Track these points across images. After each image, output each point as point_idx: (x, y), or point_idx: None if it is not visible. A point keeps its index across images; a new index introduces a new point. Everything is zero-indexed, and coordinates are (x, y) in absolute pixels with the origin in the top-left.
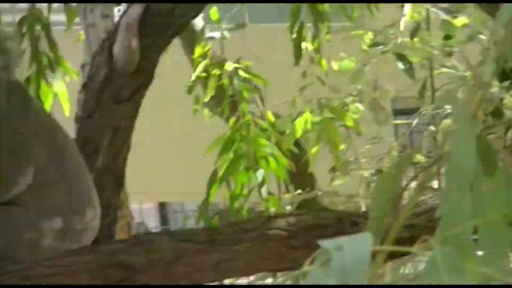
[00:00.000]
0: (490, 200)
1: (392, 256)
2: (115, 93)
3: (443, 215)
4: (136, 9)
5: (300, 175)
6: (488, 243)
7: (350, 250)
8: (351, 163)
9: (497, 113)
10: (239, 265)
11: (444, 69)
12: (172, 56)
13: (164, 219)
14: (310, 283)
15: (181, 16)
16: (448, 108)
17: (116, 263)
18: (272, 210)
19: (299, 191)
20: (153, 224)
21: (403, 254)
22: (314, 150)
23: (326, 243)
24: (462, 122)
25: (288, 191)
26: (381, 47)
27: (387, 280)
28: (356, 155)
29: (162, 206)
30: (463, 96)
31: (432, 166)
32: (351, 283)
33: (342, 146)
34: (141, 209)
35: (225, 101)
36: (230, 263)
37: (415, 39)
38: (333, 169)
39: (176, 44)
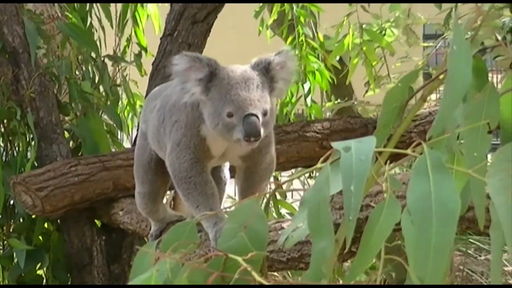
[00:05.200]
0: (477, 110)
1: (395, 157)
2: (193, 15)
3: (438, 122)
4: None
5: (341, 87)
6: (471, 147)
7: (356, 151)
8: (383, 78)
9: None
10: (280, 161)
11: None
12: None
13: None
14: (320, 177)
15: None
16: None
17: None
18: (314, 116)
19: (338, 100)
20: None
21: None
22: (353, 63)
23: (337, 144)
24: (461, 43)
25: (330, 100)
26: None
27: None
28: (387, 71)
29: None
30: (465, 22)
31: (433, 81)
32: (354, 179)
33: (375, 63)
34: None
35: (285, 24)
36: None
37: None
38: (368, 83)
39: None
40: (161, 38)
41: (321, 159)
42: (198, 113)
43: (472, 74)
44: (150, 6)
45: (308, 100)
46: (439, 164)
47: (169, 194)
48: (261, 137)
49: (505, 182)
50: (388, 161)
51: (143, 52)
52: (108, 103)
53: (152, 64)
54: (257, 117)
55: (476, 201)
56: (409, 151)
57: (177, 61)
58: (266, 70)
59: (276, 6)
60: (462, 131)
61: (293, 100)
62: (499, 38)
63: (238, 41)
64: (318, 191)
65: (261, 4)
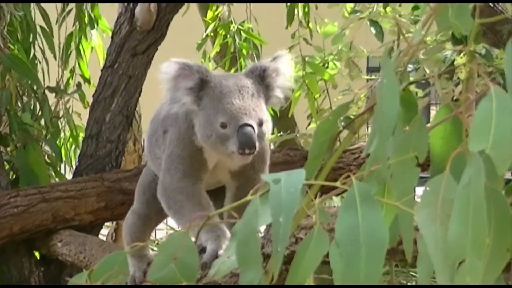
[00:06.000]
0: (405, 143)
1: (331, 189)
2: (133, 47)
3: (367, 155)
4: None
5: (283, 119)
6: (400, 179)
7: (286, 183)
8: (325, 110)
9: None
10: None
11: (410, 35)
12: (187, 18)
13: None
14: (249, 210)
15: None
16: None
17: (118, 189)
18: None
19: (281, 133)
20: None
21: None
22: (296, 95)
23: (267, 176)
24: (390, 77)
25: (272, 133)
26: (358, 14)
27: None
28: (330, 104)
29: None
30: (394, 56)
31: (364, 114)
32: (283, 211)
33: (317, 96)
34: None
35: (228, 56)
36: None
37: (388, 8)
38: (310, 115)
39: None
40: (101, 70)
41: (251, 191)
42: (187, 124)
43: (401, 107)
44: (95, 38)
45: None
46: (368, 197)
47: (110, 225)
48: (256, 149)
49: (433, 215)
50: (319, 194)
51: (86, 84)
52: (49, 135)
53: (93, 95)
54: (253, 127)
55: (404, 233)
56: (338, 183)
57: (165, 69)
58: (261, 78)
59: (219, 39)
60: (391, 164)
61: None
62: (427, 71)
63: None
64: (247, 223)
65: (203, 36)
